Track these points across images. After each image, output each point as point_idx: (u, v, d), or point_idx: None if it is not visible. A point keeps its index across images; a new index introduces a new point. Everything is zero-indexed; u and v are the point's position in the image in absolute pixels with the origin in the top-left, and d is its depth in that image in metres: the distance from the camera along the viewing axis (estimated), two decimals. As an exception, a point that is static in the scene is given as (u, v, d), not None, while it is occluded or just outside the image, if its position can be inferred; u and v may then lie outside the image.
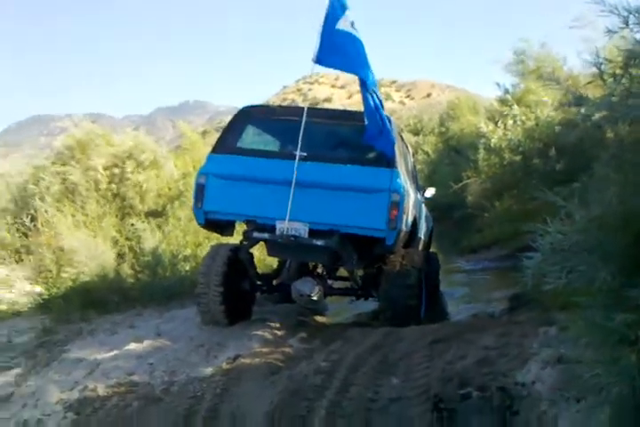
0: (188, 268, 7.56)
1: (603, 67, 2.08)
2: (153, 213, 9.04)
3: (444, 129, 19.94)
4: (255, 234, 5.01)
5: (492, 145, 9.43)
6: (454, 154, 15.59)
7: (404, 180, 5.07)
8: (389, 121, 4.87)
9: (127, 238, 8.24)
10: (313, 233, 4.79)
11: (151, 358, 4.91)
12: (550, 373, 2.79)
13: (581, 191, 2.15)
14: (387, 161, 4.84)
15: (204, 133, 13.12)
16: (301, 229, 4.77)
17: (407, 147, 6.44)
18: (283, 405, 3.64)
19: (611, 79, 2.04)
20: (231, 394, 3.99)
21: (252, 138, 5.50)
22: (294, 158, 4.79)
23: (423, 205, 6.78)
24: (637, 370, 1.69)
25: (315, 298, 5.17)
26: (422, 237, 6.46)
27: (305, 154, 4.82)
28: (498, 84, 12.42)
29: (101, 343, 5.42)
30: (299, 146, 4.80)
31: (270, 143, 5.93)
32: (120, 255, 7.97)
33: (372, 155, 5.09)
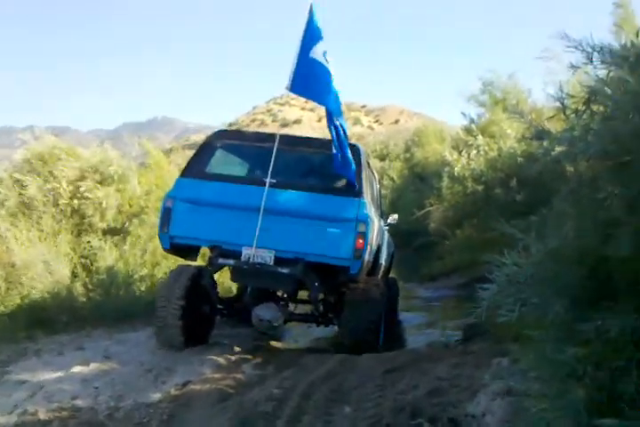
0: (143, 288, 7.37)
1: (565, 101, 2.12)
2: (111, 231, 8.80)
3: (409, 155, 20.24)
4: (220, 260, 4.92)
5: (455, 174, 9.58)
6: (419, 181, 15.82)
7: (370, 208, 5.08)
8: (358, 149, 5.03)
9: (82, 256, 7.99)
10: (278, 261, 4.74)
11: (97, 381, 4.72)
12: (500, 405, 2.78)
13: (539, 224, 2.16)
14: (354, 191, 4.85)
15: (171, 151, 12.99)
16: (267, 257, 4.72)
17: (373, 173, 6.50)
18: (232, 433, 3.52)
19: (572, 114, 2.08)
20: (178, 421, 3.86)
21: (222, 162, 5.38)
22: (264, 185, 4.74)
23: (386, 232, 6.82)
24: (584, 405, 1.68)
25: (275, 324, 5.07)
26: (384, 262, 6.47)
27: (274, 181, 4.79)
28: (464, 114, 12.68)
29: (46, 365, 5.17)
30: (269, 173, 4.76)
31: (240, 168, 5.85)
32: (74, 274, 7.73)
33: (340, 184, 5.10)
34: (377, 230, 5.38)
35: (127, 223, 8.74)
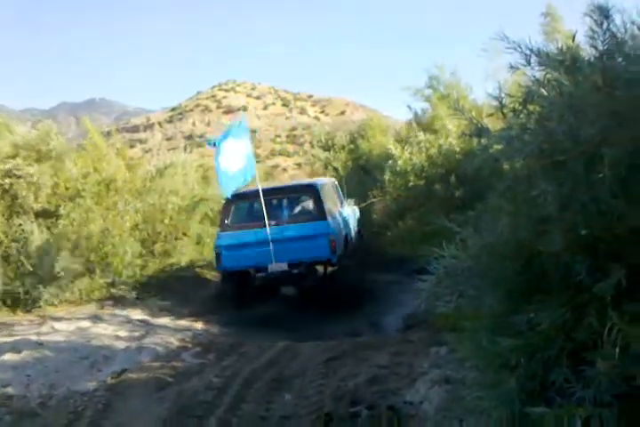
0: (76, 273, 7.14)
1: (504, 101, 2.18)
2: (44, 213, 8.46)
3: (353, 147, 20.34)
4: (257, 275, 7.45)
5: (398, 168, 9.73)
6: (362, 173, 15.94)
7: (335, 221, 7.71)
8: (315, 187, 7.82)
9: (14, 240, 7.66)
10: (290, 266, 7.26)
11: (29, 369, 4.58)
12: (437, 392, 2.88)
13: (476, 219, 2.22)
14: (322, 216, 7.44)
15: (109, 134, 12.44)
16: (284, 265, 7.26)
17: (334, 184, 9.35)
18: (169, 422, 3.49)
19: (510, 113, 2.13)
20: (114, 410, 3.79)
21: (236, 215, 7.83)
22: (266, 226, 7.20)
23: (349, 210, 9.32)
24: (517, 395, 1.75)
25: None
26: (353, 240, 8.93)
27: (274, 222, 7.35)
28: (409, 107, 12.85)
29: (-26, 352, 4.97)
30: (265, 218, 7.22)
31: (251, 216, 8.02)
32: (4, 258, 7.41)
33: (313, 214, 7.63)
34: (342, 224, 8.13)
35: (62, 206, 8.40)
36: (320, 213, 7.48)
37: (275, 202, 7.94)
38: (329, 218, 7.50)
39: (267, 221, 7.20)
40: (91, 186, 8.82)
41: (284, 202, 8.14)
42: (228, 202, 7.79)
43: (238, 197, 7.79)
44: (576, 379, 1.68)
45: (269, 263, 7.22)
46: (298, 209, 8.05)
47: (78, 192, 8.70)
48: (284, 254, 7.20)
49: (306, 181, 10.44)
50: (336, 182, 9.73)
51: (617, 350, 1.60)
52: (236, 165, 7.31)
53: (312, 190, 7.77)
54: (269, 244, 7.15)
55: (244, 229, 7.52)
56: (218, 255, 7.48)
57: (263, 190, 7.40)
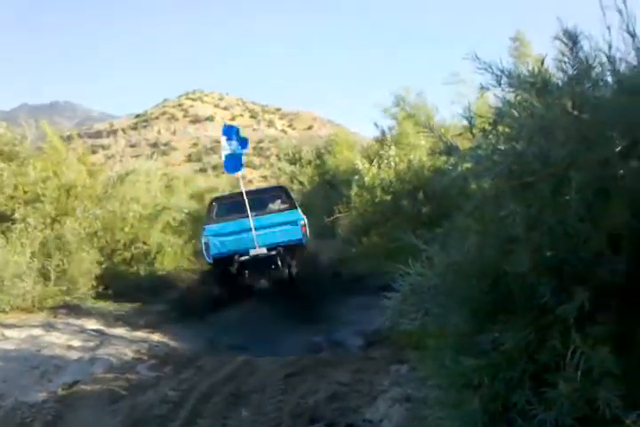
0: (30, 281, 6.89)
1: (473, 120, 2.19)
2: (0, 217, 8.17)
3: (320, 162, 20.42)
4: (240, 258, 8.58)
5: (365, 183, 9.77)
6: (329, 187, 15.99)
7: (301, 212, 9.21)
8: (286, 188, 10.32)
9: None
10: (268, 249, 8.53)
11: (-25, 379, 4.36)
12: (398, 411, 2.85)
13: (443, 237, 2.22)
14: (293, 206, 9.16)
15: (70, 138, 12.11)
16: (264, 249, 8.54)
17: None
18: (121, 437, 3.37)
19: (479, 133, 2.15)
20: (64, 422, 3.66)
21: (220, 211, 9.21)
22: (248, 217, 8.44)
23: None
24: (480, 416, 1.73)
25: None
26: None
27: (254, 213, 8.52)
28: (376, 125, 13.07)
29: None
30: (248, 210, 8.45)
31: (233, 211, 9.10)
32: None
33: (285, 205, 9.27)
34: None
35: (20, 209, 8.12)
36: (291, 204, 9.23)
37: (253, 199, 8.97)
38: (298, 209, 9.23)
39: (249, 213, 8.43)
40: (51, 191, 8.58)
41: (261, 198, 9.53)
42: (212, 202, 9.52)
43: (219, 198, 9.77)
44: (538, 401, 1.67)
45: (252, 248, 8.50)
46: (272, 203, 9.58)
47: (38, 196, 8.46)
48: (263, 240, 8.53)
49: (274, 185, 12.74)
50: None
51: (579, 372, 1.60)
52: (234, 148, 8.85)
53: (283, 189, 10.24)
54: (251, 231, 8.42)
55: (228, 220, 8.82)
56: (206, 244, 8.57)
57: (245, 191, 8.86)
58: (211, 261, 8.70)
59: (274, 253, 8.56)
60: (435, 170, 8.42)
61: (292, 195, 10.33)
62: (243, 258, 8.55)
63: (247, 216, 8.43)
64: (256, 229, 8.42)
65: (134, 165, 11.58)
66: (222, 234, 8.60)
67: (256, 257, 8.51)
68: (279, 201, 9.50)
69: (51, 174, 8.91)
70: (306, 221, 9.14)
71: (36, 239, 7.70)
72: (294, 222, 8.76)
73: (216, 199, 9.60)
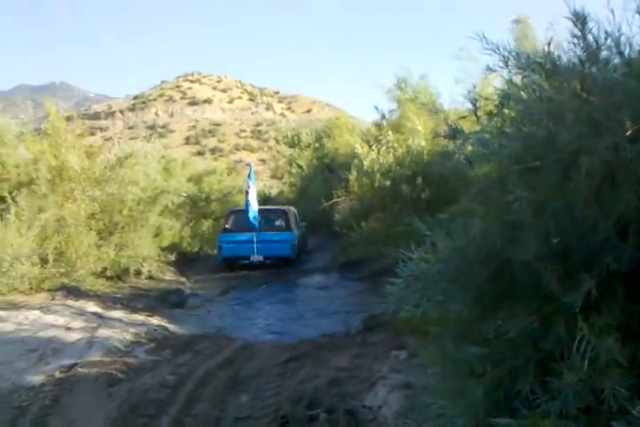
0: (27, 265, 6.85)
1: (477, 103, 2.13)
2: (-4, 199, 8.07)
3: (319, 145, 20.29)
4: (242, 262, 11.55)
5: (364, 167, 9.70)
6: (327, 171, 15.90)
7: (296, 232, 12.18)
8: (286, 211, 12.72)
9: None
10: (265, 258, 11.44)
11: (-29, 362, 4.34)
12: (397, 397, 2.83)
13: (448, 222, 2.17)
14: (289, 229, 11.94)
15: (68, 119, 11.94)
16: (261, 258, 11.39)
17: (295, 211, 13.54)
18: (119, 420, 3.36)
19: (485, 116, 2.09)
20: (62, 406, 3.64)
21: (235, 222, 11.92)
22: (254, 231, 11.07)
23: (303, 227, 13.77)
24: (483, 404, 1.70)
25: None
26: (303, 245, 13.28)
27: (259, 229, 11.05)
28: (376, 108, 12.84)
29: None
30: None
31: (241, 223, 11.59)
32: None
33: (283, 226, 12.01)
34: (298, 237, 12.32)
35: (14, 192, 8.03)
36: (287, 226, 12.03)
37: (263, 217, 11.56)
38: (294, 230, 12.06)
39: (255, 229, 11.09)
40: (46, 172, 8.49)
41: (267, 217, 11.98)
42: (229, 214, 12.46)
43: (235, 212, 12.38)
44: (542, 390, 1.64)
45: (252, 255, 11.33)
46: (273, 223, 12.17)
47: (32, 180, 8.37)
48: (261, 250, 11.31)
49: (279, 207, 14.49)
50: (295, 210, 13.76)
51: (585, 362, 1.57)
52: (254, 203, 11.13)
53: (283, 212, 12.63)
54: (254, 242, 11.16)
55: (239, 232, 11.49)
56: (220, 248, 11.65)
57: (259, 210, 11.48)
58: (221, 260, 11.77)
59: (268, 262, 11.49)
60: (434, 154, 8.34)
61: (294, 216, 12.83)
62: (244, 261, 11.53)
63: (253, 231, 11.08)
64: (258, 242, 11.12)
65: (133, 148, 11.46)
66: (232, 242, 11.43)
67: (254, 262, 11.47)
68: (280, 221, 12.16)
69: (47, 156, 8.81)
70: (297, 240, 11.95)
71: (34, 222, 7.64)
72: (287, 242, 11.58)
73: (232, 212, 12.38)
